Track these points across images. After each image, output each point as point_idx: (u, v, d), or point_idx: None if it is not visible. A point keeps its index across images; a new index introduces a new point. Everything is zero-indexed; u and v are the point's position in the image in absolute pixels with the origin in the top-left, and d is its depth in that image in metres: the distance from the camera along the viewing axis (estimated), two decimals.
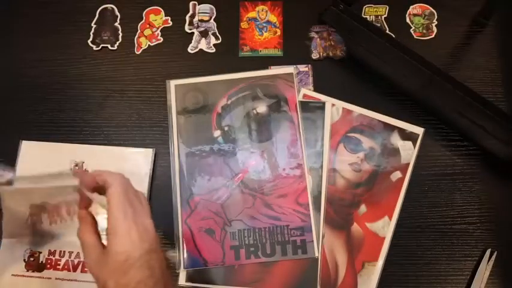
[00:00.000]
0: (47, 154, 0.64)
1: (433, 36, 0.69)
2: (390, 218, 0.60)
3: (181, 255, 0.60)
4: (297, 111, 0.64)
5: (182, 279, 0.60)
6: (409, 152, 0.62)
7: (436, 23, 0.70)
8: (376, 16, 0.71)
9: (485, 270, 0.59)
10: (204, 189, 0.62)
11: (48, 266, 0.60)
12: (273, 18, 0.71)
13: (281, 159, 0.62)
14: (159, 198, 0.63)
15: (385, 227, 0.60)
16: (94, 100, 0.68)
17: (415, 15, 0.71)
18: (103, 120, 0.67)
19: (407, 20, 0.70)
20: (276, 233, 0.60)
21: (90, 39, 0.71)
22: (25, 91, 0.69)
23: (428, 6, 0.71)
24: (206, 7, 0.72)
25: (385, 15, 0.70)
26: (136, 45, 0.71)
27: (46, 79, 0.69)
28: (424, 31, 0.70)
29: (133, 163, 0.64)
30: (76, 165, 0.64)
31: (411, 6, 0.71)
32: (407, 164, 0.62)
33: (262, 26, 0.71)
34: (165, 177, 0.64)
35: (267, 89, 0.66)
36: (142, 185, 0.63)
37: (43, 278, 0.60)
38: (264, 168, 0.62)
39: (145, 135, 0.66)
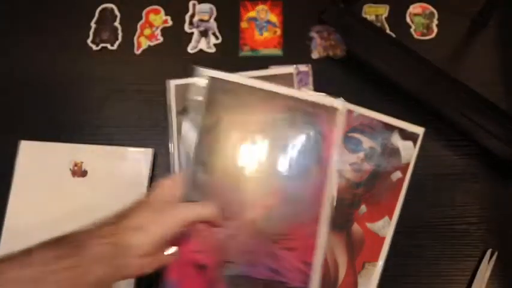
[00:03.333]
0: (46, 154, 0.64)
1: (433, 36, 0.69)
2: (390, 218, 0.60)
3: None
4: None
5: None
6: (409, 152, 0.62)
7: (437, 22, 0.70)
8: (376, 16, 0.70)
9: (485, 270, 0.59)
10: None
11: None
12: (273, 18, 0.71)
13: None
14: None
15: (385, 227, 0.60)
16: (94, 100, 0.68)
17: (415, 14, 0.71)
18: (103, 120, 0.67)
19: (408, 20, 0.70)
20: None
21: (90, 39, 0.71)
22: (25, 91, 0.69)
23: (428, 6, 0.71)
24: (206, 7, 0.72)
25: (386, 15, 0.70)
26: (136, 45, 0.71)
27: (46, 79, 0.69)
28: (425, 31, 0.70)
29: (133, 163, 0.64)
30: (76, 165, 0.64)
31: (411, 6, 0.71)
32: (408, 164, 0.62)
33: (262, 26, 0.71)
34: (165, 177, 0.64)
35: None
36: (141, 185, 0.63)
37: None
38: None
39: (145, 135, 0.66)
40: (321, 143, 0.55)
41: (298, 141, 0.55)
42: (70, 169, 0.63)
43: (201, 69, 0.56)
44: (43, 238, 0.60)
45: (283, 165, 0.55)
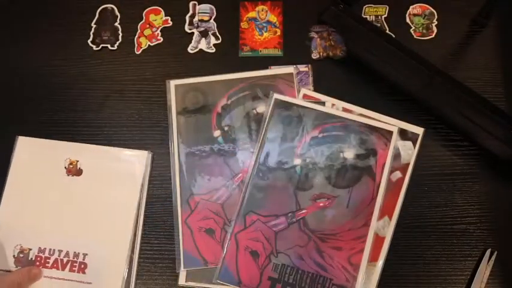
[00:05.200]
0: (43, 151, 0.64)
1: (433, 36, 0.69)
2: (390, 218, 0.60)
3: (181, 255, 0.60)
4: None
5: (182, 279, 0.60)
6: (409, 152, 0.62)
7: (436, 23, 0.70)
8: (376, 16, 0.71)
9: (485, 270, 0.59)
10: (204, 189, 0.62)
11: (38, 263, 0.60)
12: (273, 18, 0.71)
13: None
14: (159, 198, 0.63)
15: (385, 227, 0.60)
16: (94, 100, 0.68)
17: (415, 15, 0.71)
18: (103, 120, 0.67)
19: (408, 20, 0.70)
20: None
21: (90, 39, 0.71)
22: (25, 91, 0.69)
23: (428, 6, 0.71)
24: (206, 7, 0.72)
25: (385, 15, 0.70)
26: (136, 45, 0.71)
27: (46, 79, 0.69)
28: (424, 31, 0.70)
29: (128, 165, 0.64)
30: (71, 163, 0.63)
31: (411, 6, 0.71)
32: (407, 164, 0.62)
33: (262, 26, 0.71)
34: (165, 177, 0.64)
35: (267, 89, 0.66)
36: (135, 187, 0.62)
37: None
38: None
39: (145, 135, 0.66)
40: (374, 160, 0.61)
41: (352, 156, 0.62)
42: (65, 167, 0.63)
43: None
44: (35, 234, 0.61)
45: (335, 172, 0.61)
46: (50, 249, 0.61)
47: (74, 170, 0.63)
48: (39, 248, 0.61)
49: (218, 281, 0.58)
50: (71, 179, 0.63)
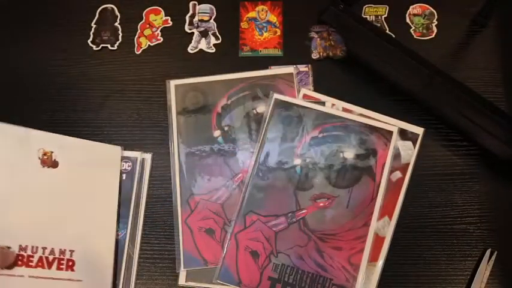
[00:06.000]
0: (10, 138, 0.59)
1: (433, 36, 0.69)
2: (390, 218, 0.60)
3: (181, 255, 0.60)
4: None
5: (182, 279, 0.60)
6: (409, 152, 0.62)
7: (436, 23, 0.70)
8: (376, 16, 0.71)
9: (485, 270, 0.59)
10: (204, 189, 0.62)
11: (20, 262, 0.56)
12: (273, 18, 0.71)
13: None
14: (159, 198, 0.63)
15: (385, 227, 0.60)
16: (94, 100, 0.68)
17: (415, 15, 0.71)
18: (103, 120, 0.67)
19: (408, 20, 0.70)
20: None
21: (90, 39, 0.71)
22: (25, 91, 0.69)
23: (428, 6, 0.71)
24: (206, 7, 0.72)
25: (385, 15, 0.70)
26: (136, 45, 0.71)
27: (46, 79, 0.69)
28: (424, 31, 0.70)
29: (104, 159, 0.63)
30: (45, 154, 0.60)
31: (411, 6, 0.71)
32: (407, 164, 0.62)
33: (262, 26, 0.71)
34: (165, 177, 0.64)
35: (267, 89, 0.66)
36: (114, 180, 0.62)
37: (14, 276, 0.56)
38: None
39: (145, 135, 0.66)
40: (374, 160, 0.61)
41: (352, 156, 0.62)
42: (39, 158, 0.59)
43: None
44: (13, 231, 0.56)
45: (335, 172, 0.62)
46: (33, 246, 0.57)
47: (49, 162, 0.60)
48: (20, 246, 0.56)
49: (218, 281, 0.59)
50: (46, 171, 0.59)
